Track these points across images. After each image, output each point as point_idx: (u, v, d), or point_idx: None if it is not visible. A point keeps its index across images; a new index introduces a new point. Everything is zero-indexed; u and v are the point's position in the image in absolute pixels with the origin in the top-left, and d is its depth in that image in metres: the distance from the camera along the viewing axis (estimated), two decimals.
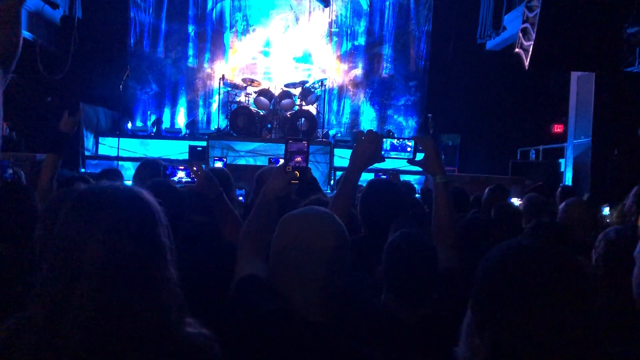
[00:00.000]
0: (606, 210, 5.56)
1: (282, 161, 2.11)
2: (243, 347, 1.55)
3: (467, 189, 6.04)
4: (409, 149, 2.33)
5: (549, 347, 1.04)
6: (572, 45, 7.48)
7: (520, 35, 8.06)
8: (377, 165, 2.73)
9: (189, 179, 3.10)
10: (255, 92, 11.96)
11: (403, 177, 7.39)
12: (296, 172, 1.99)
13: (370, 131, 2.34)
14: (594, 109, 8.84)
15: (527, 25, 7.91)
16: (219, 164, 5.47)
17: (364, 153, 2.25)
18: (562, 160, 10.76)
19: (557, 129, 12.81)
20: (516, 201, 5.66)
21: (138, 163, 3.79)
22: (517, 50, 8.19)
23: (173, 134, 12.68)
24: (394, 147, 2.31)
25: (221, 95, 12.85)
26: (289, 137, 2.18)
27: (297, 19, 13.74)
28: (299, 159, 2.02)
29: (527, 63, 7.66)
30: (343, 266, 1.55)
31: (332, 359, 1.44)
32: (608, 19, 7.17)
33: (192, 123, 13.21)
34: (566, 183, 9.63)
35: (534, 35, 7.50)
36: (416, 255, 1.98)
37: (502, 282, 1.10)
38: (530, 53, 7.62)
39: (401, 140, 2.33)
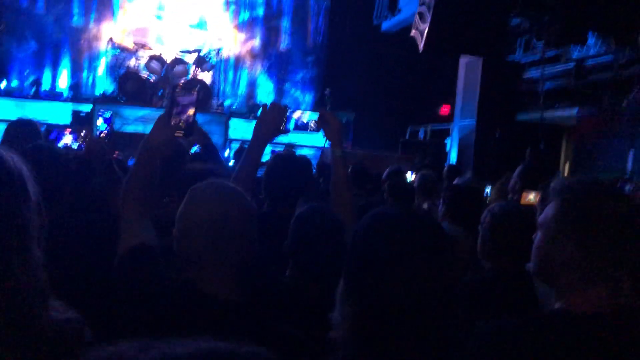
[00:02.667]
0: (488, 191, 5.92)
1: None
2: (140, 324, 1.45)
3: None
4: (312, 124, 2.31)
5: (406, 312, 1.06)
6: (463, 31, 7.83)
7: (417, 18, 8.29)
8: (276, 140, 2.69)
9: (77, 145, 2.84)
10: (146, 57, 11.37)
11: (299, 152, 7.39)
12: (181, 122, 1.83)
13: (274, 103, 2.29)
14: (480, 93, 9.35)
15: (423, 8, 8.14)
16: (99, 121, 5.03)
17: (268, 125, 2.20)
18: (447, 140, 11.33)
19: (445, 109, 13.46)
20: (409, 176, 5.87)
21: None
22: (413, 32, 8.42)
23: (54, 97, 11.75)
24: (296, 125, 2.27)
25: (108, 58, 12.10)
26: (176, 85, 2.03)
27: None
28: (191, 111, 1.86)
29: (421, 46, 7.91)
30: (253, 243, 1.52)
31: (246, 337, 1.38)
32: (497, 9, 7.57)
33: (75, 86, 12.32)
34: (451, 162, 10.15)
35: (429, 19, 7.75)
36: (325, 228, 1.96)
37: (364, 248, 1.12)
38: (424, 36, 7.86)
39: (303, 119, 2.30)
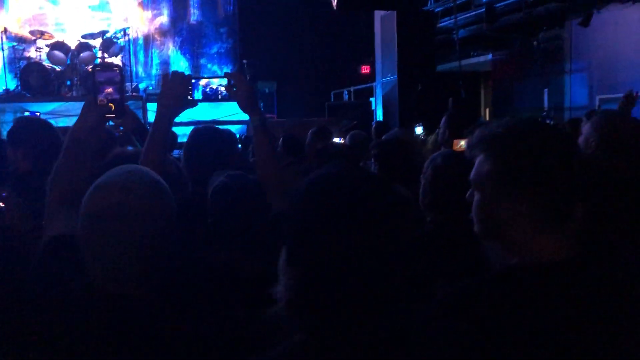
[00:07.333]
0: (418, 130, 5.90)
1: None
2: (46, 323, 1.31)
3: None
4: (222, 89, 2.15)
5: (357, 277, 0.95)
6: None
7: None
8: (195, 118, 2.52)
9: None
10: (47, 46, 10.62)
11: (223, 127, 7.17)
12: (110, 104, 1.73)
13: (175, 72, 2.07)
14: (398, 47, 9.37)
15: None
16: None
17: (170, 96, 2.00)
18: (372, 99, 11.37)
19: (365, 69, 13.48)
20: (337, 140, 5.79)
21: None
22: None
23: None
24: (206, 95, 2.09)
25: (6, 51, 11.21)
26: (96, 65, 1.90)
27: None
28: (109, 90, 1.74)
29: (334, 3, 7.78)
30: (166, 235, 1.35)
31: (143, 334, 1.27)
32: None
33: None
34: (379, 119, 10.20)
35: None
36: (246, 196, 1.83)
37: (307, 210, 1.01)
38: None
39: (212, 86, 2.12)
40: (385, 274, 0.96)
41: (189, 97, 2.00)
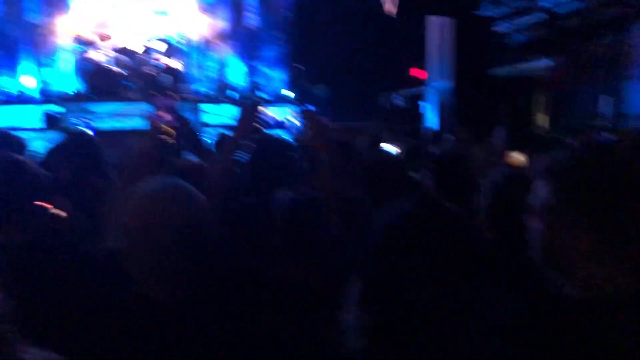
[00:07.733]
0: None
1: None
2: (104, 334, 1.41)
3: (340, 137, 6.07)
4: (297, 124, 2.34)
5: (432, 316, 0.99)
6: None
7: None
8: None
9: None
10: (112, 49, 11.08)
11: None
12: (167, 129, 2.04)
13: (245, 105, 2.35)
14: (452, 52, 9.30)
15: None
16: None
17: (243, 132, 2.26)
18: (422, 103, 11.31)
19: (416, 73, 13.41)
20: (388, 147, 5.80)
21: None
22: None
23: (21, 100, 11.40)
24: (280, 124, 2.29)
25: (72, 54, 11.75)
26: (153, 93, 2.12)
27: None
28: (165, 115, 1.98)
29: (391, 9, 7.81)
30: (201, 243, 1.44)
31: (187, 338, 1.38)
32: None
33: (41, 86, 11.97)
34: (429, 125, 10.15)
35: None
36: (312, 212, 1.93)
37: (384, 248, 1.04)
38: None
39: (290, 118, 2.33)
40: (464, 317, 1.01)
41: (257, 123, 2.19)
